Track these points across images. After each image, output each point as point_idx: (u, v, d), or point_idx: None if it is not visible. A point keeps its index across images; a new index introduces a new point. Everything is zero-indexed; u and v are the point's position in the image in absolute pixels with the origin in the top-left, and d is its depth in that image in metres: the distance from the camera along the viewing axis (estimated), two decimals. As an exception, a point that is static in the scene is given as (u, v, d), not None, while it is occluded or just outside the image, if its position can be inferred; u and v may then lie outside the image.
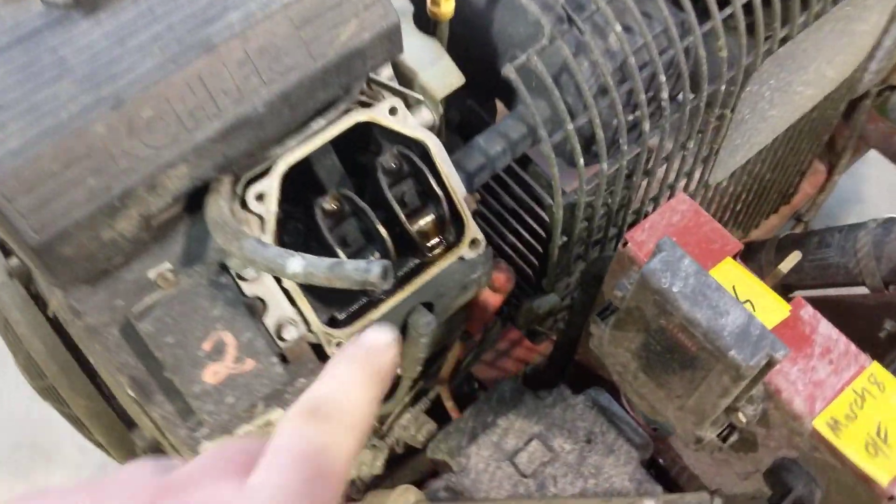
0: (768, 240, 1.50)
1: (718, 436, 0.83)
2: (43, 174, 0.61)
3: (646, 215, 1.06)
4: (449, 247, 0.84)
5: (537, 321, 1.08)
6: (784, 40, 0.94)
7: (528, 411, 0.99)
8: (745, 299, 0.82)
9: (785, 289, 1.49)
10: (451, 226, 0.84)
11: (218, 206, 0.69)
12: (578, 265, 1.10)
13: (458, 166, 0.89)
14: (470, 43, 0.99)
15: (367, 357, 0.41)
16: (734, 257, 0.85)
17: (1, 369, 1.21)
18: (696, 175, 1.06)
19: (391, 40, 0.72)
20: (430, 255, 0.81)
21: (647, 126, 0.85)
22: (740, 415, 0.79)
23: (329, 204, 0.76)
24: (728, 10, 0.87)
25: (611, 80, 0.81)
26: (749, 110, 1.00)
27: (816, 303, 1.42)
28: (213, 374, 0.72)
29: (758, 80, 0.95)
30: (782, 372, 0.78)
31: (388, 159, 0.77)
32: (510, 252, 1.11)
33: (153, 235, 0.71)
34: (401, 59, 0.82)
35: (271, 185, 0.73)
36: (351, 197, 0.75)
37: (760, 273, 1.50)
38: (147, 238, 0.70)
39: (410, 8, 0.84)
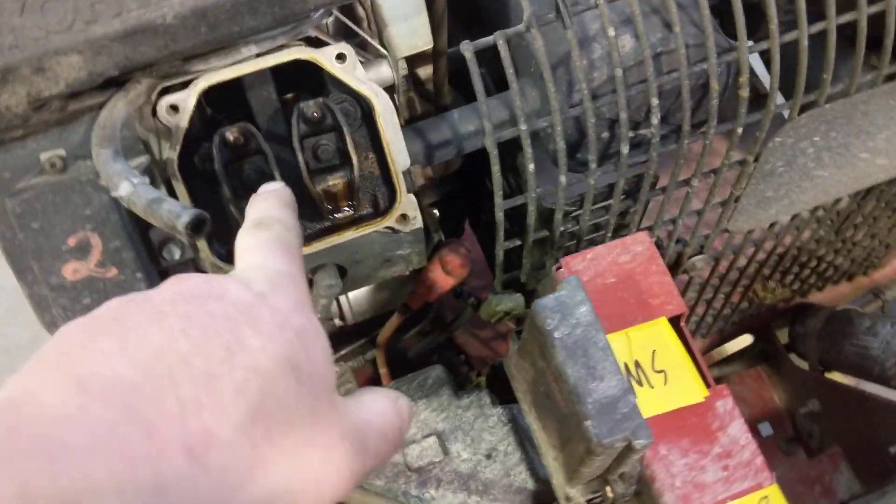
0: (823, 308, 1.34)
1: (588, 502, 0.75)
2: (-76, 29, 0.60)
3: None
4: (375, 215, 0.78)
5: (497, 317, 1.01)
6: (835, 97, 0.80)
7: (439, 405, 0.94)
8: (660, 369, 0.72)
9: (822, 365, 1.33)
10: (379, 194, 0.78)
11: (111, 107, 0.66)
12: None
13: (420, 135, 0.82)
14: (491, 6, 0.90)
15: (272, 193, 0.55)
16: (675, 321, 0.75)
17: None
18: (709, 216, 0.94)
19: (337, -18, 0.66)
20: (333, 217, 0.75)
21: (624, 148, 0.75)
22: (608, 489, 0.71)
23: (232, 134, 0.71)
24: (763, 45, 0.74)
25: (585, 89, 0.71)
26: (784, 164, 0.87)
27: (842, 390, 1.27)
28: (73, 271, 0.70)
29: (793, 132, 0.82)
30: (666, 460, 0.69)
31: (309, 106, 0.72)
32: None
33: (56, 119, 0.70)
34: (378, 6, 0.76)
35: (186, 99, 0.70)
36: (255, 134, 0.70)
37: (804, 340, 1.35)
38: (45, 119, 0.68)
39: (409, -47, 0.77)
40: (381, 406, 0.45)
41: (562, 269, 0.75)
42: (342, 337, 1.09)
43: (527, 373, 0.75)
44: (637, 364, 0.72)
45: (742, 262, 1.14)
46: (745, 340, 0.80)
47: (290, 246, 0.49)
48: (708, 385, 0.72)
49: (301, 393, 0.38)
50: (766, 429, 1.50)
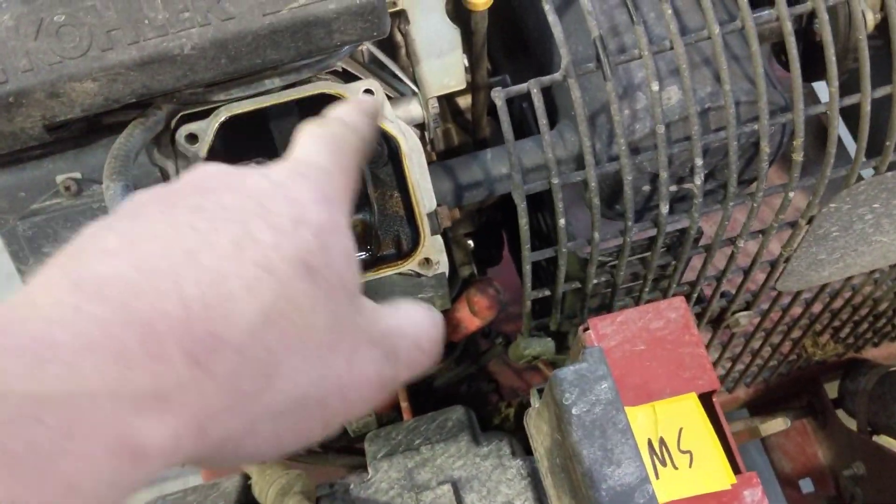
0: (877, 367, 1.27)
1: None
2: (-60, 50, 0.58)
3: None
4: (397, 257, 0.75)
5: (525, 360, 0.97)
6: (898, 164, 0.74)
7: (457, 451, 0.90)
8: (686, 449, 0.67)
9: (871, 427, 1.26)
10: (403, 234, 0.75)
11: (128, 134, 0.64)
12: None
13: (450, 174, 0.78)
14: (536, 38, 0.86)
15: (357, 101, 0.53)
16: (706, 396, 0.70)
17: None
18: (757, 274, 0.88)
19: (366, 20, 0.62)
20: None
21: (664, 208, 0.70)
22: (619, 574, 0.66)
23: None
24: (821, 108, 0.68)
25: (623, 145, 0.67)
26: (839, 229, 0.81)
27: (890, 457, 1.20)
28: (81, 299, 0.68)
29: (851, 199, 0.76)
30: (683, 552, 0.64)
31: (331, 146, 0.69)
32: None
33: (74, 140, 0.68)
34: (411, 40, 0.72)
35: (206, 129, 0.67)
36: (272, 172, 0.67)
37: (854, 398, 1.28)
38: (63, 140, 0.67)
39: (450, -15, 0.73)
40: (417, 316, 0.42)
41: (589, 332, 0.71)
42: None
43: (545, 438, 0.70)
44: (662, 442, 0.67)
45: (791, 317, 1.07)
46: (781, 425, 0.75)
47: (343, 145, 0.45)
48: (737, 471, 0.67)
49: (318, 296, 0.35)
50: (807, 485, 1.43)
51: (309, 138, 0.45)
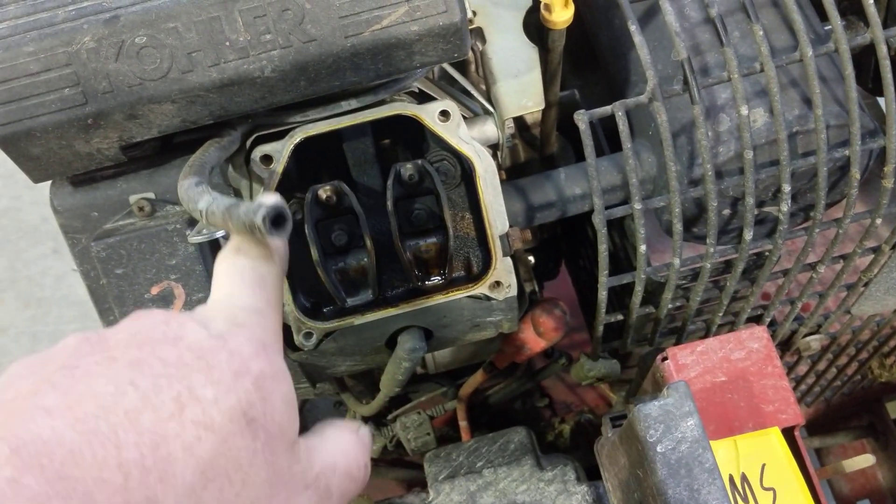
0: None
1: None
2: (20, 70, 0.58)
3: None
4: (467, 280, 0.73)
5: (589, 381, 0.95)
6: None
7: (520, 475, 0.88)
8: (769, 486, 0.65)
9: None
10: (473, 256, 0.73)
11: (204, 149, 0.63)
12: (670, 340, 0.95)
13: (522, 194, 0.77)
14: (609, 55, 0.84)
15: None
16: (788, 431, 0.68)
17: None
18: (832, 297, 0.85)
19: (448, 41, 0.61)
20: (421, 285, 0.71)
21: (748, 234, 0.68)
22: None
23: (325, 192, 0.67)
24: (916, 133, 0.66)
25: (709, 170, 0.65)
26: (923, 253, 0.78)
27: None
28: (153, 320, 0.68)
29: (940, 224, 0.73)
30: None
31: (407, 168, 0.67)
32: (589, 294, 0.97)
33: (148, 161, 0.68)
34: (487, 59, 0.70)
35: (281, 150, 0.66)
36: (348, 194, 0.66)
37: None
38: (137, 160, 0.66)
39: (528, 2, 0.71)
40: (345, 444, 0.43)
41: (667, 362, 0.69)
42: (423, 383, 1.05)
43: (620, 471, 0.69)
44: (744, 478, 0.65)
45: (861, 340, 1.04)
46: (867, 461, 0.72)
47: (266, 276, 0.46)
48: (821, 509, 0.65)
49: (257, 448, 0.36)
50: (866, 508, 1.40)
51: (236, 276, 0.45)
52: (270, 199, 0.45)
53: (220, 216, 0.52)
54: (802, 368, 1.12)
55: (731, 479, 0.65)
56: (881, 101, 1.30)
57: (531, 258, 1.00)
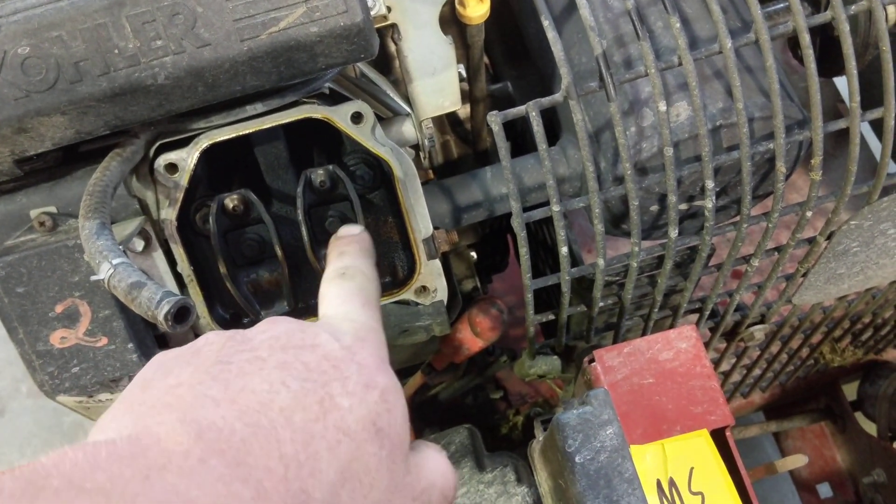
0: (899, 370, 1.22)
1: None
2: None
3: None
4: (392, 285, 0.71)
5: (531, 378, 0.93)
6: (925, 178, 0.69)
7: (459, 478, 0.86)
8: (698, 490, 0.64)
9: (892, 432, 1.22)
10: (398, 261, 0.71)
11: (103, 170, 0.60)
12: (608, 336, 0.93)
13: (448, 194, 0.75)
14: (537, 47, 0.82)
15: (354, 240, 0.59)
16: (719, 432, 0.66)
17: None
18: (773, 288, 0.84)
19: (351, 42, 0.58)
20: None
21: (673, 232, 0.66)
22: None
23: (231, 202, 0.65)
24: (840, 123, 0.64)
25: (629, 169, 0.63)
26: (859, 244, 0.76)
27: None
28: (60, 338, 0.65)
29: (873, 216, 0.71)
30: None
31: (318, 175, 0.65)
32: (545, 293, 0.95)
33: (49, 173, 0.65)
34: (403, 57, 0.68)
35: (186, 158, 0.64)
36: (255, 203, 0.64)
37: (874, 402, 1.23)
38: (36, 172, 0.64)
39: (443, -2, 0.69)
40: (442, 466, 0.46)
41: (594, 364, 0.67)
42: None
43: (549, 477, 0.67)
44: (672, 483, 0.63)
45: (809, 323, 1.03)
46: (800, 461, 0.71)
47: (372, 297, 0.52)
48: (751, 512, 0.63)
49: (382, 456, 0.40)
50: (825, 490, 1.39)
51: (348, 297, 0.51)
52: (171, 296, 0.48)
53: (122, 293, 0.50)
54: (755, 354, 1.11)
55: (659, 484, 0.63)
56: (838, 81, 1.29)
57: (473, 254, 0.98)
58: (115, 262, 0.53)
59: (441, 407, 1.19)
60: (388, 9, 0.68)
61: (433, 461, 0.46)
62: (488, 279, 1.17)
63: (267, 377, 0.39)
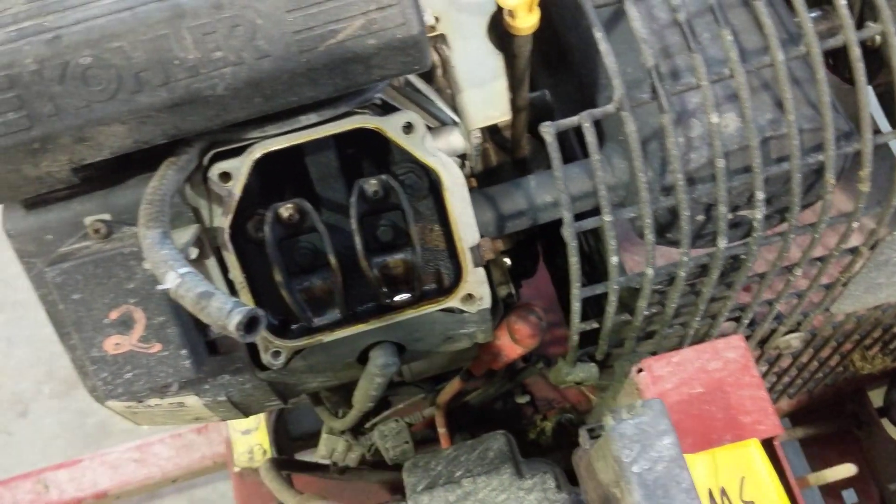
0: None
1: None
2: (-40, 94, 0.55)
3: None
4: (438, 293, 0.72)
5: (567, 385, 0.94)
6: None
7: (500, 485, 0.86)
8: (749, 500, 0.64)
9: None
10: (444, 269, 0.71)
11: (160, 179, 0.61)
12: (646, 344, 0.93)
13: (491, 203, 0.75)
14: (579, 57, 0.82)
15: None
16: (768, 442, 0.66)
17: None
18: (811, 297, 0.84)
19: (407, 54, 0.59)
20: (388, 301, 0.69)
21: (721, 243, 0.66)
22: None
23: (286, 211, 0.65)
24: (889, 137, 0.64)
25: (680, 179, 0.63)
26: (902, 253, 0.76)
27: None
28: (114, 344, 0.66)
29: (918, 225, 0.72)
30: None
31: (371, 184, 0.65)
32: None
33: (102, 181, 0.65)
34: (451, 67, 0.68)
35: (239, 167, 0.64)
36: (310, 212, 0.64)
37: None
38: (91, 181, 0.64)
39: (492, 7, 0.69)
40: None
41: (643, 373, 0.67)
42: (400, 389, 1.04)
43: (597, 487, 0.67)
44: (723, 492, 0.64)
45: (842, 334, 1.03)
46: (849, 470, 0.71)
47: None
48: (801, 522, 0.64)
49: None
50: (850, 496, 1.39)
51: None
52: (240, 306, 0.47)
53: (191, 302, 0.51)
54: (786, 361, 1.12)
55: (710, 493, 0.64)
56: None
57: (507, 260, 0.99)
58: (181, 271, 0.54)
59: (470, 412, 1.19)
60: (436, 19, 0.69)
61: None
62: (517, 285, 1.17)
63: None
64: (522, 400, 1.34)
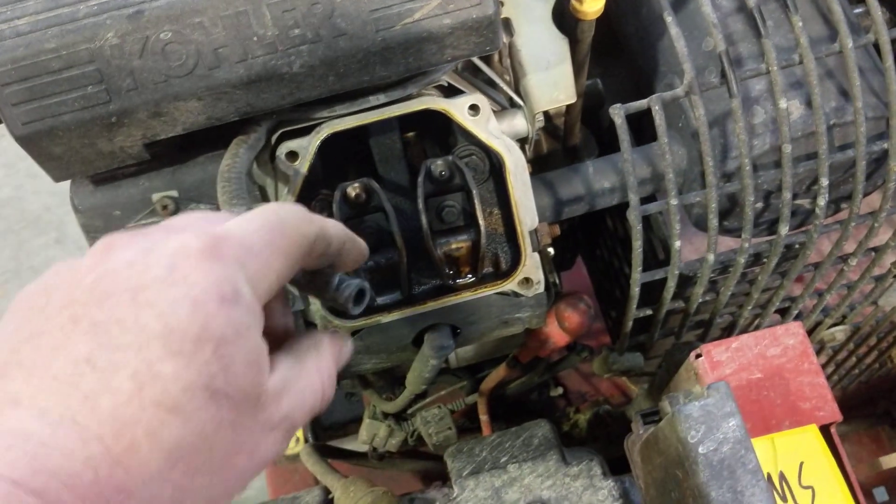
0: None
1: None
2: (41, 68, 0.57)
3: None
4: (496, 276, 0.72)
5: (612, 374, 0.94)
6: None
7: (545, 471, 0.87)
8: (808, 484, 0.64)
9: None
10: (502, 253, 0.72)
11: (233, 157, 0.61)
12: (694, 333, 0.94)
13: (550, 188, 0.75)
14: (636, 44, 0.82)
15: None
16: (825, 429, 0.67)
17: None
18: (862, 287, 0.84)
19: (480, 34, 0.59)
20: (453, 283, 0.69)
21: (783, 229, 0.67)
22: None
23: (354, 190, 0.66)
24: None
25: (747, 165, 0.63)
26: (957, 245, 0.77)
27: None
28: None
29: (977, 216, 0.72)
30: None
31: (437, 165, 0.66)
32: (618, 291, 0.96)
33: (170, 158, 0.66)
34: (516, 51, 0.69)
35: (307, 146, 0.65)
36: (377, 191, 0.65)
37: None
38: (157, 158, 0.65)
39: (556, -8, 0.69)
40: (309, 383, 0.42)
41: (701, 359, 0.67)
42: (444, 376, 1.04)
43: (655, 469, 0.68)
44: (782, 476, 0.64)
45: (883, 330, 1.03)
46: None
47: (286, 234, 0.41)
48: (861, 508, 0.64)
49: (222, 416, 0.35)
50: (881, 494, 1.39)
51: (251, 213, 0.42)
52: (347, 278, 0.48)
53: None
54: (822, 358, 1.12)
55: (769, 477, 0.64)
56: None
57: (551, 250, 0.99)
58: None
59: (506, 402, 1.19)
60: (501, 3, 0.69)
61: (305, 376, 0.42)
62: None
63: (72, 354, 0.34)
64: (556, 393, 1.34)
